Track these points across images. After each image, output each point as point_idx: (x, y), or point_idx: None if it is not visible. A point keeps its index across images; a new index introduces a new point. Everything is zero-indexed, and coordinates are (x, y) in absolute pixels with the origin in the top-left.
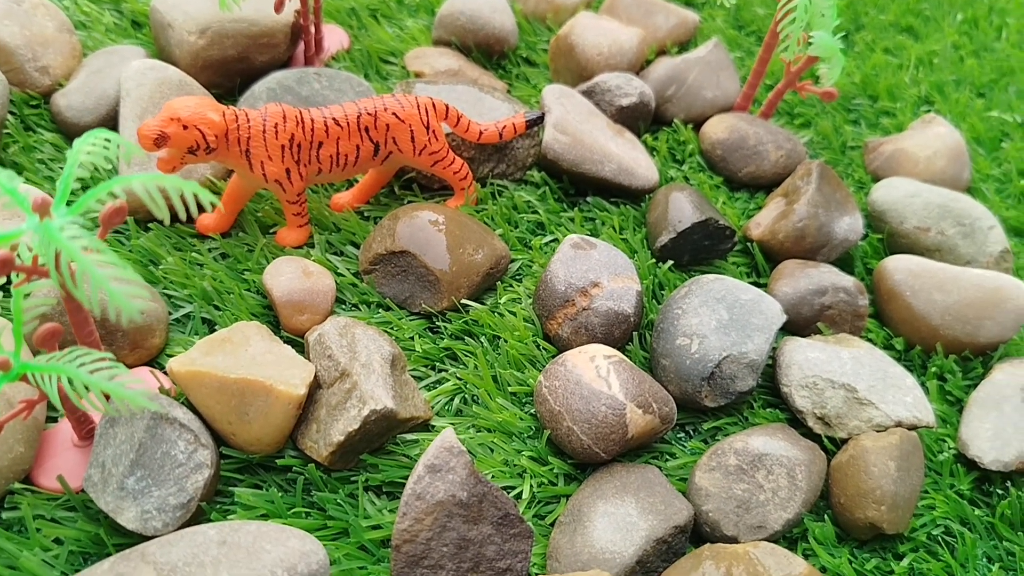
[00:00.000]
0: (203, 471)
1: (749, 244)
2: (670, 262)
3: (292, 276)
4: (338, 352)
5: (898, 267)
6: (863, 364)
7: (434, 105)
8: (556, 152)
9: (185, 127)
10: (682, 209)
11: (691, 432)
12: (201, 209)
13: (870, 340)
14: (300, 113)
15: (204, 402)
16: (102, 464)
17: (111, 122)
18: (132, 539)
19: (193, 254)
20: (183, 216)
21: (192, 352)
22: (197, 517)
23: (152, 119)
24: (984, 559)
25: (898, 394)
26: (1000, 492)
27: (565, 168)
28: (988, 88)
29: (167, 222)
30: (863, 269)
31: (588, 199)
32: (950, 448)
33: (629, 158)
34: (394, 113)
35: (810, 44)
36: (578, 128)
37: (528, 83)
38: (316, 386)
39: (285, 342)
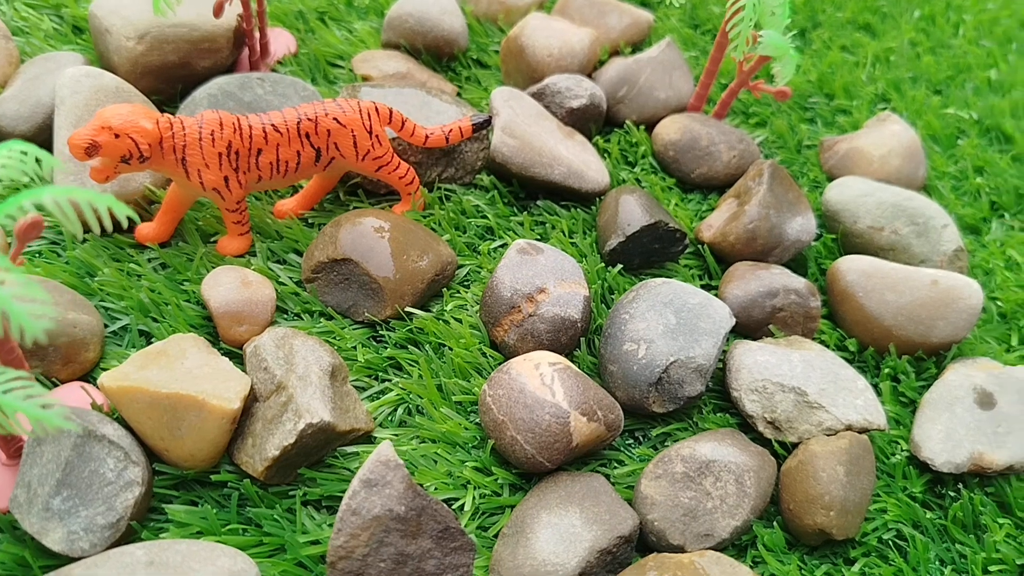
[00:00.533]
0: (133, 489)
1: (701, 247)
2: (620, 266)
3: (230, 286)
4: (274, 364)
5: (850, 268)
6: (814, 367)
7: (377, 109)
8: (504, 155)
9: (117, 136)
10: (632, 212)
11: (640, 438)
12: (132, 220)
13: (823, 342)
14: (238, 120)
15: (136, 418)
16: (28, 484)
17: (47, 131)
18: (59, 561)
19: (131, 265)
20: (96, 230)
21: (125, 366)
22: (128, 536)
23: (83, 128)
24: (937, 562)
25: (849, 397)
26: (952, 494)
27: (514, 171)
28: (945, 85)
29: (79, 236)
30: (817, 270)
31: (538, 202)
32: (903, 450)
33: (579, 161)
34: (335, 118)
35: (760, 43)
36: (527, 131)
37: (479, 85)
38: (253, 399)
39: (224, 354)
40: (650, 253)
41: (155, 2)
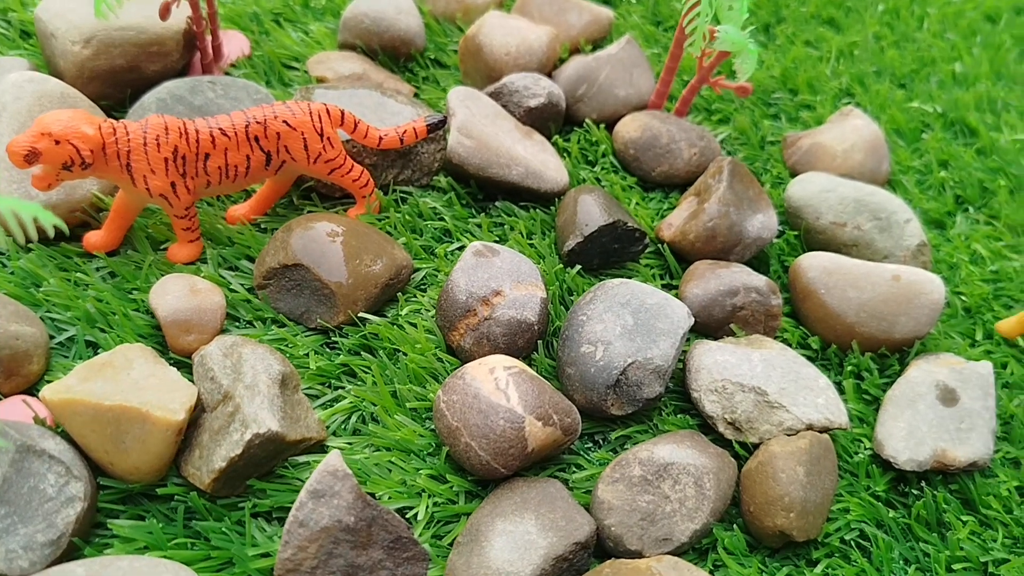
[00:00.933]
0: (75, 505)
1: (661, 246)
2: (578, 267)
3: (179, 294)
4: (220, 373)
5: (812, 265)
6: (774, 366)
7: (328, 111)
8: (461, 156)
9: (57, 142)
10: (590, 212)
11: (600, 442)
12: (86, 227)
13: (785, 340)
14: (184, 124)
15: (79, 431)
16: None
17: None
18: None
19: (78, 274)
20: (21, 240)
21: (68, 379)
22: (70, 554)
23: (22, 135)
24: (900, 561)
25: (810, 396)
26: (916, 492)
27: (471, 172)
28: (909, 79)
29: (4, 247)
30: (780, 267)
31: (497, 204)
32: (866, 449)
33: (538, 161)
34: (285, 121)
35: (718, 38)
36: (484, 131)
37: (437, 86)
38: (200, 410)
39: (174, 364)
40: (610, 253)
41: (96, 5)
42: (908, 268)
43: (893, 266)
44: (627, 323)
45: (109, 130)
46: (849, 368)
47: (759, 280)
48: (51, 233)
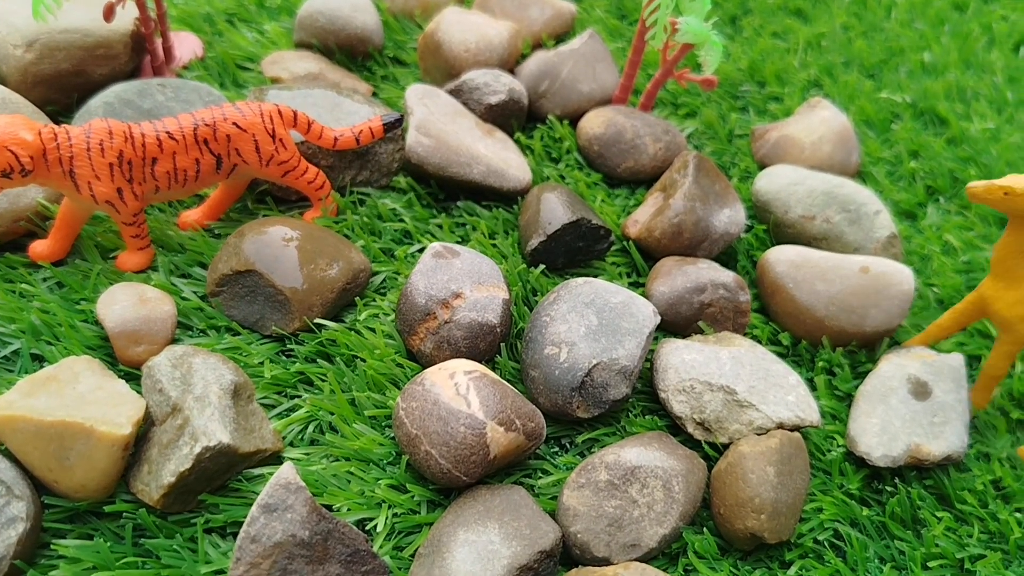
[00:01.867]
0: (17, 526)
1: (627, 243)
2: (542, 266)
3: (127, 304)
4: (169, 385)
5: (779, 259)
6: (743, 364)
7: (280, 112)
8: (420, 155)
9: None
10: (553, 210)
11: (566, 445)
12: (32, 237)
13: (755, 337)
14: (129, 128)
15: (21, 448)
16: None
17: None
18: None
19: (23, 285)
20: None
21: (10, 394)
22: None
23: None
24: (876, 560)
25: (780, 393)
26: (890, 489)
27: (431, 172)
28: (878, 68)
29: None
30: (748, 262)
31: (458, 203)
32: (839, 446)
33: (499, 159)
34: (234, 123)
35: (679, 30)
36: (443, 129)
37: (397, 84)
38: (149, 424)
39: (123, 376)
40: (574, 252)
41: (34, 7)
42: (877, 259)
43: (862, 258)
44: (591, 323)
45: (50, 135)
46: (820, 364)
47: (727, 276)
48: None
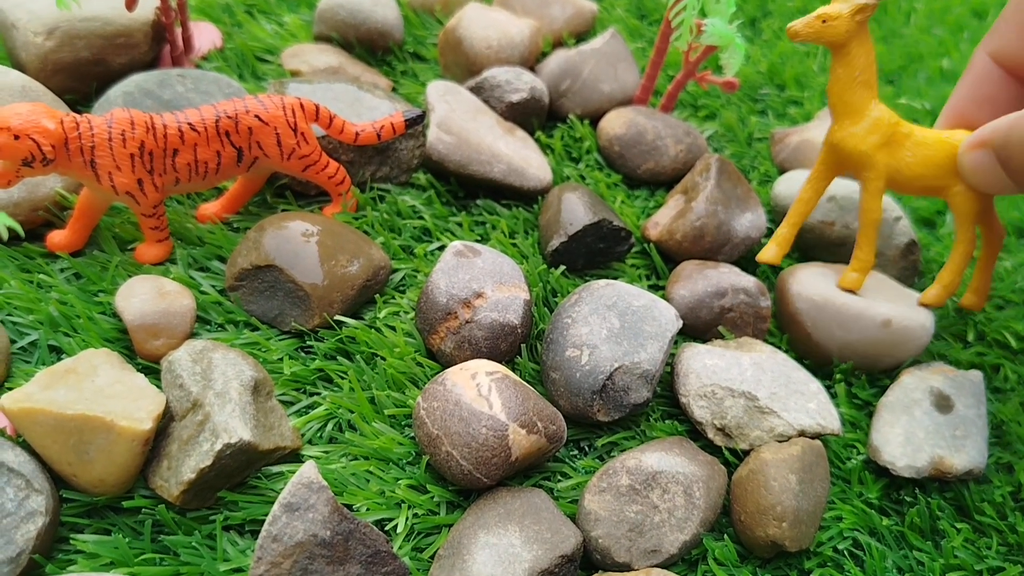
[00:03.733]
0: (36, 520)
1: (647, 245)
2: (563, 267)
3: (146, 297)
4: (189, 380)
5: (800, 294)
6: (764, 370)
7: (302, 105)
8: (441, 153)
9: (16, 137)
10: (574, 211)
11: (586, 448)
12: (50, 227)
13: (773, 343)
14: (151, 119)
15: (41, 442)
16: None
17: None
18: None
19: (41, 276)
20: None
21: (29, 386)
22: (30, 571)
23: None
24: (894, 570)
25: (801, 400)
26: (909, 499)
27: (452, 170)
28: (897, 74)
29: None
30: (768, 267)
31: (478, 202)
32: (859, 455)
33: (520, 157)
34: (256, 115)
35: (704, 32)
36: (464, 127)
37: (416, 80)
38: (168, 419)
39: (141, 370)
40: (595, 253)
41: None
42: (900, 311)
43: (886, 308)
44: (613, 326)
45: (72, 124)
46: (838, 375)
47: (748, 281)
48: (4, 236)
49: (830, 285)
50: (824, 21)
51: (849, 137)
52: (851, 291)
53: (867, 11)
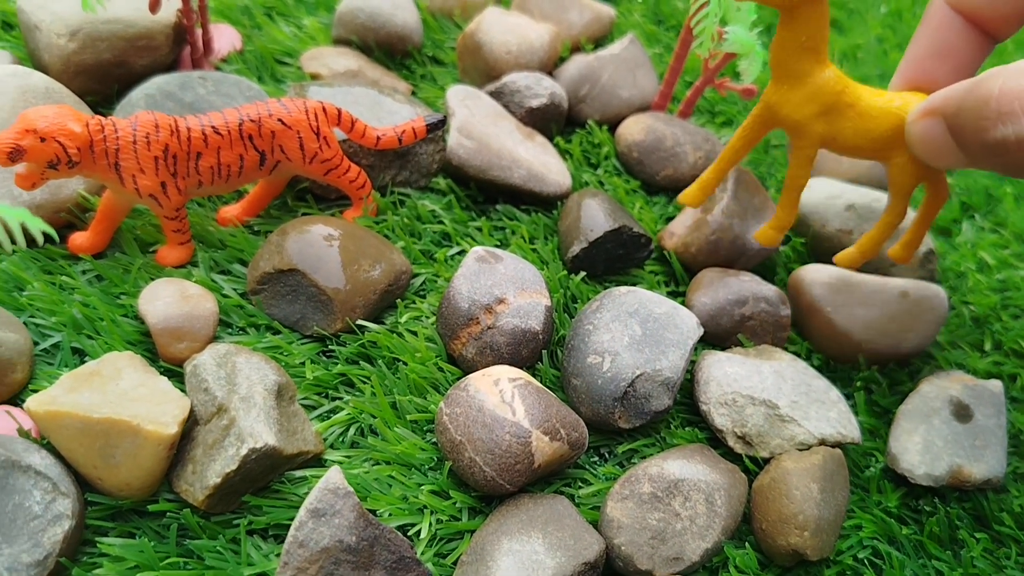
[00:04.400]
0: (62, 523)
1: (666, 252)
2: (583, 273)
3: (169, 300)
4: (214, 384)
5: (816, 280)
6: (785, 378)
7: (324, 109)
8: (461, 158)
9: (43, 139)
10: (594, 217)
11: (606, 455)
12: (72, 228)
13: (793, 351)
14: (175, 122)
15: (66, 445)
16: None
17: None
18: None
19: (63, 278)
20: (8, 248)
21: (54, 389)
22: (57, 574)
23: (5, 131)
24: None
25: (822, 409)
26: (928, 509)
27: (472, 175)
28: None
29: None
30: (785, 274)
31: (497, 207)
32: (877, 463)
33: (540, 163)
34: (280, 119)
35: (725, 40)
36: (484, 132)
37: (435, 84)
38: (193, 423)
39: (164, 373)
40: (614, 259)
41: None
42: (914, 283)
43: (901, 281)
44: (635, 333)
45: (97, 127)
46: (858, 383)
47: (769, 290)
48: (40, 241)
49: (843, 271)
50: None
51: (785, 103)
52: (770, 245)
53: None
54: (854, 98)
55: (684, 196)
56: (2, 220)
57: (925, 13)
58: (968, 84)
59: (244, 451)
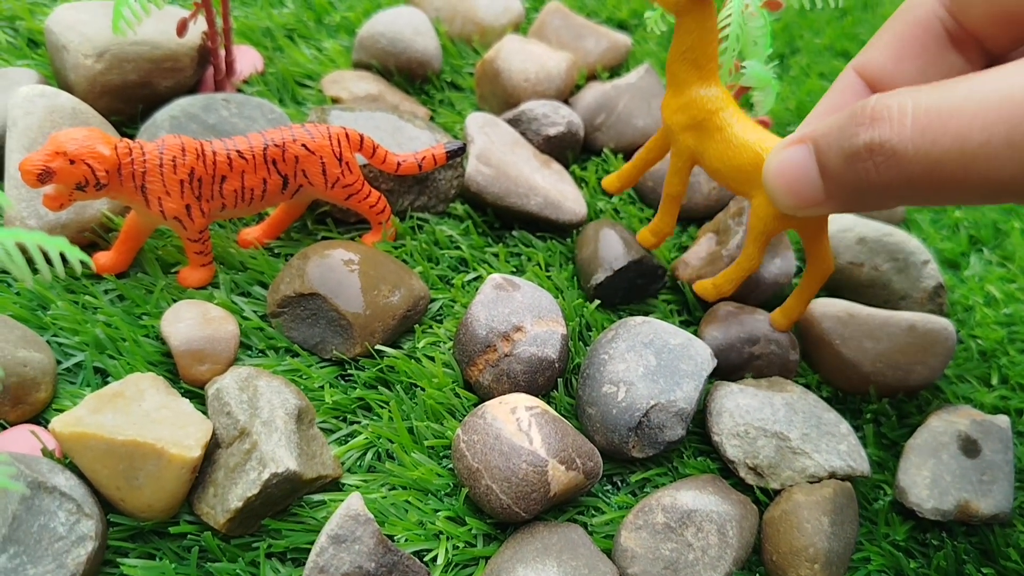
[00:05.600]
0: (86, 544)
1: (680, 283)
2: (597, 302)
3: (192, 322)
4: (237, 408)
5: (825, 314)
6: (796, 411)
7: (347, 135)
8: (480, 184)
9: (72, 162)
10: (614, 247)
11: (618, 484)
12: (95, 248)
13: (803, 383)
14: (201, 145)
15: (90, 466)
16: None
17: None
18: None
19: (87, 297)
20: (47, 277)
21: (78, 410)
22: None
23: (36, 153)
24: None
25: (832, 442)
26: (936, 542)
27: (489, 201)
28: None
29: (30, 284)
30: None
31: (514, 233)
32: (886, 496)
33: (556, 191)
34: (304, 144)
35: (742, 73)
36: (503, 159)
37: (453, 109)
38: (215, 445)
39: (184, 394)
40: (633, 289)
41: (115, 21)
42: (921, 316)
43: (908, 314)
44: (650, 363)
45: (125, 150)
46: (867, 415)
47: (782, 334)
48: (79, 270)
49: (852, 304)
50: None
51: (665, 107)
52: (647, 247)
53: None
54: (725, 123)
55: (606, 181)
56: (42, 249)
57: (837, 79)
58: (845, 114)
59: (266, 475)
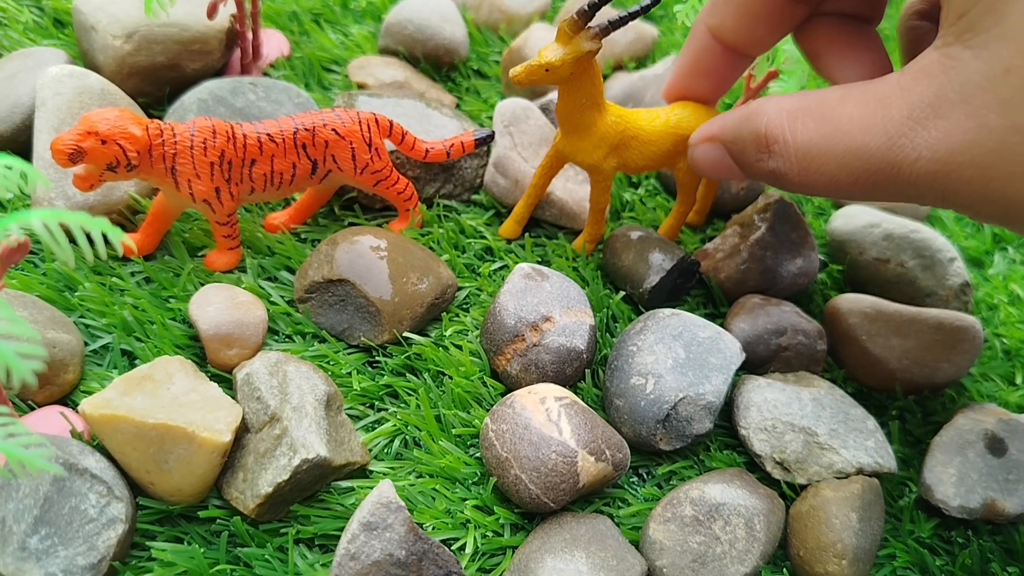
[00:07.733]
0: (116, 527)
1: (705, 277)
2: (622, 293)
3: (221, 307)
4: (267, 394)
5: (852, 310)
6: (824, 406)
7: (377, 121)
8: (495, 194)
9: (104, 142)
10: (655, 250)
11: (645, 476)
12: (122, 229)
13: (829, 379)
14: (231, 128)
15: (120, 449)
16: (2, 520)
17: (26, 133)
18: None
19: (114, 279)
20: (90, 258)
21: (107, 392)
22: None
23: (67, 133)
24: None
25: (860, 438)
26: (961, 540)
27: (506, 207)
28: None
29: (72, 265)
30: (821, 301)
31: (540, 222)
32: (911, 492)
33: (573, 201)
34: (334, 129)
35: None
36: (519, 169)
37: (479, 97)
38: (244, 430)
39: (212, 378)
40: (675, 288)
41: (147, 2)
42: (949, 313)
43: (935, 312)
44: (679, 356)
45: (156, 131)
46: (893, 412)
47: (809, 324)
48: (120, 252)
49: (879, 300)
50: (547, 71)
51: (577, 151)
52: (579, 252)
53: (591, 56)
54: (636, 130)
55: (502, 229)
56: (85, 230)
57: (689, 35)
58: (740, 116)
59: (296, 461)
